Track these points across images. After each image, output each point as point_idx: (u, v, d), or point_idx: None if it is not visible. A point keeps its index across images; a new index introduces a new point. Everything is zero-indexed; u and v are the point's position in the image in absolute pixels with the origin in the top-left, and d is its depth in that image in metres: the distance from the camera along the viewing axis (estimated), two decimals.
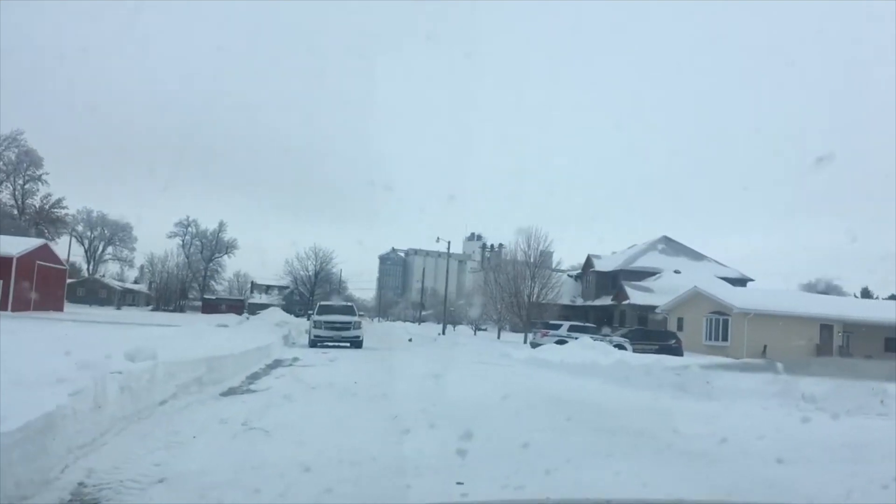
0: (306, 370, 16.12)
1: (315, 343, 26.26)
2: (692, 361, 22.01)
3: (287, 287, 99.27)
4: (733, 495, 5.74)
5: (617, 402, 12.37)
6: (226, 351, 13.98)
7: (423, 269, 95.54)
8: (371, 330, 65.39)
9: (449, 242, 51.84)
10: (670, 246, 62.57)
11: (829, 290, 73.70)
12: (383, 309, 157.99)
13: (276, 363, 17.70)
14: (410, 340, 40.37)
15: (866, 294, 76.26)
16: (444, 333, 50.75)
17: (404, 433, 7.55)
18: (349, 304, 29.11)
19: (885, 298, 65.86)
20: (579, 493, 5.53)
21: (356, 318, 27.28)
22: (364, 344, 27.18)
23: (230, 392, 11.17)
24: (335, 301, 33.27)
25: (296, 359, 19.51)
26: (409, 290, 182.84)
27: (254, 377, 13.72)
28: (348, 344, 26.72)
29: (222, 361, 12.67)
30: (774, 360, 37.85)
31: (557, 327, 34.43)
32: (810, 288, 73.96)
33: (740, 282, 56.01)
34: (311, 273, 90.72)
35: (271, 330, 29.30)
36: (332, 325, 26.42)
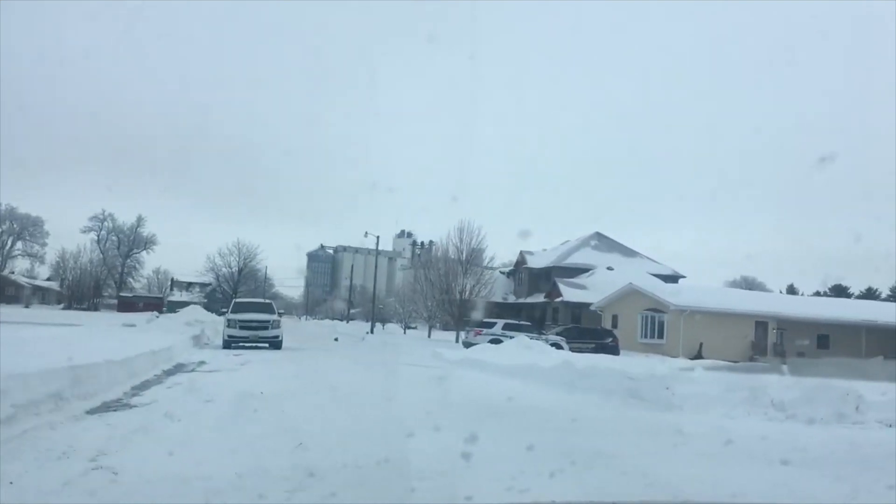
0: (209, 377, 13.98)
1: (229, 344, 24.03)
2: (672, 364, 20.66)
3: (209, 284, 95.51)
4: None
5: (569, 411, 10.67)
6: (112, 355, 11.81)
7: (352, 266, 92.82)
8: (297, 329, 62.90)
9: (378, 237, 49.81)
10: (603, 242, 61.92)
11: (754, 287, 74.55)
12: (311, 307, 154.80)
13: (177, 368, 15.49)
14: (336, 340, 38.39)
15: (792, 291, 77.36)
16: (372, 332, 48.72)
17: (309, 476, 5.62)
18: (267, 301, 26.90)
19: (811, 295, 66.70)
20: None
21: (275, 317, 25.10)
22: (285, 344, 25.17)
23: (101, 409, 9.03)
24: (252, 298, 30.79)
25: (202, 362, 17.33)
26: (338, 288, 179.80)
27: (142, 387, 11.54)
28: (267, 345, 24.62)
29: (99, 369, 10.50)
30: (712, 358, 37.43)
31: (491, 325, 32.83)
32: (735, 286, 74.79)
33: (672, 278, 55.60)
34: (234, 270, 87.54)
35: (182, 330, 26.92)
36: (247, 325, 24.20)
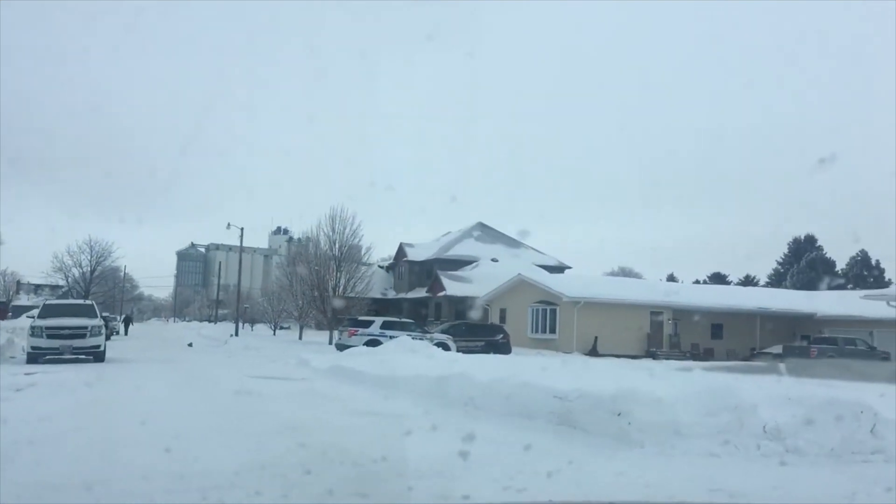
0: None
1: (35, 358, 19.05)
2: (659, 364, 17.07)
3: (62, 286, 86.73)
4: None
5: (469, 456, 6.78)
6: None
7: (220, 263, 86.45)
8: (155, 333, 56.70)
9: (242, 229, 44.66)
10: (486, 233, 58.85)
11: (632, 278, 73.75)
12: (180, 308, 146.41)
13: None
14: (190, 346, 33.51)
15: (672, 280, 77.02)
16: (236, 335, 43.60)
17: None
18: (87, 302, 21.79)
19: (693, 283, 66.05)
20: None
21: (95, 322, 20.10)
22: (122, 355, 20.49)
23: None
24: (68, 300, 25.26)
25: None
26: (209, 288, 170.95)
27: None
28: (91, 357, 19.74)
29: None
30: (608, 352, 34.78)
31: (368, 324, 28.71)
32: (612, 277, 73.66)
33: (558, 269, 53.13)
34: (85, 270, 79.31)
35: None
36: (57, 333, 19.18)
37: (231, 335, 43.33)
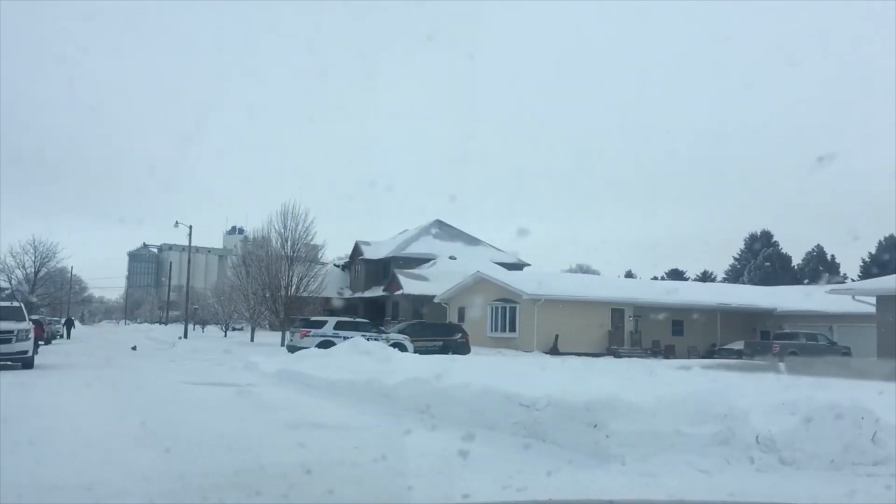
0: None
1: None
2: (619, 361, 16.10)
3: (6, 288, 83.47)
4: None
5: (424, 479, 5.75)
6: None
7: (170, 264, 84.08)
8: (102, 336, 54.59)
9: (190, 227, 42.98)
10: (444, 230, 57.84)
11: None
12: (131, 310, 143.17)
13: None
14: (134, 349, 31.95)
15: (630, 277, 76.91)
16: (185, 337, 41.91)
17: None
18: (15, 305, 20.19)
19: (650, 280, 65.86)
20: None
21: (23, 326, 18.56)
22: (55, 360, 19.13)
23: None
24: None
25: None
26: (162, 289, 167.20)
27: None
28: (20, 364, 18.27)
29: None
30: (569, 350, 34.03)
31: (321, 324, 27.46)
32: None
33: (517, 266, 52.30)
34: (29, 271, 76.42)
35: None
36: None
37: (179, 337, 41.66)
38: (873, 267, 55.77)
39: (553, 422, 7.63)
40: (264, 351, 28.51)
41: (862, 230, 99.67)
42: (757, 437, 7.14)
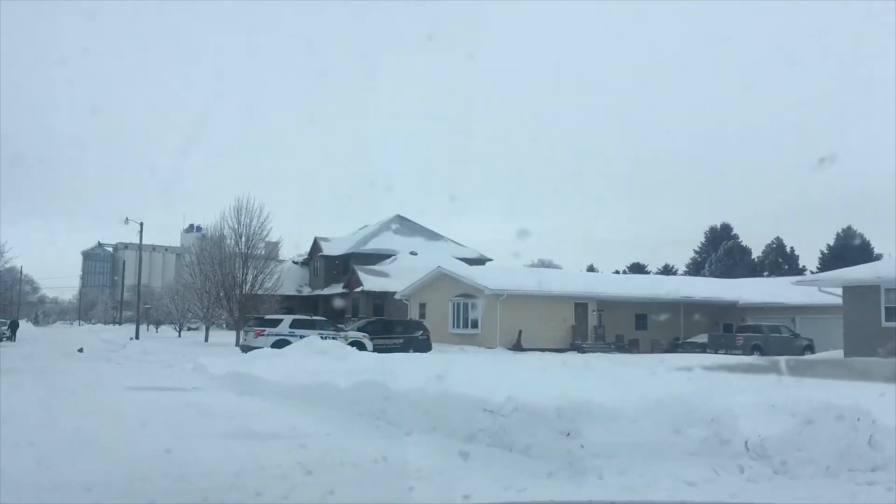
0: None
1: None
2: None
3: None
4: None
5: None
6: None
7: (124, 262, 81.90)
8: (51, 337, 52.56)
9: (141, 224, 41.39)
10: (405, 226, 56.96)
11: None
12: (85, 310, 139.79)
13: None
14: (81, 351, 30.55)
15: (591, 271, 76.75)
16: (137, 338, 40.43)
17: None
18: None
19: (613, 274, 65.67)
20: None
21: None
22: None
23: None
24: None
25: None
26: (117, 288, 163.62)
27: None
28: None
29: None
30: (533, 346, 33.39)
31: (276, 323, 26.39)
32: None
33: (479, 262, 51.65)
34: None
35: None
36: None
37: (131, 338, 40.15)
38: (832, 259, 56.17)
39: (521, 429, 6.84)
40: (217, 352, 27.39)
41: (820, 222, 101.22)
42: (746, 443, 6.45)
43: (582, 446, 6.08)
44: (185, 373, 18.94)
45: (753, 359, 19.01)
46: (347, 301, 49.99)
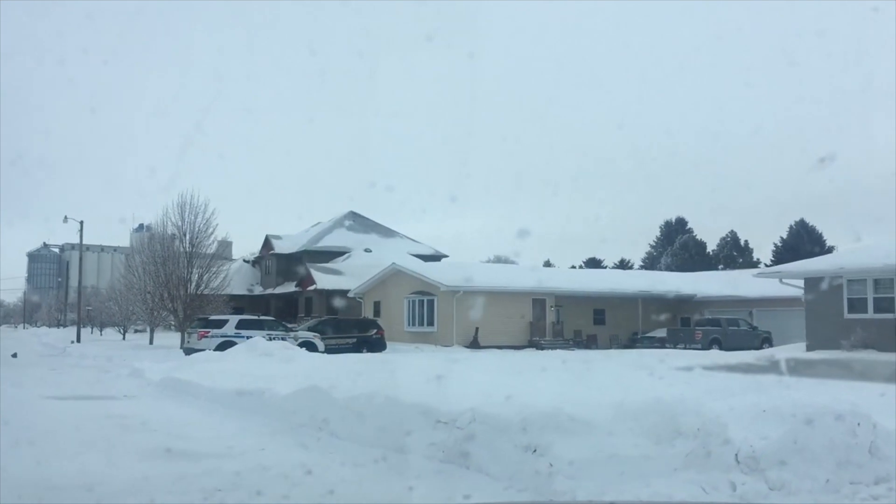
0: None
1: None
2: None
3: None
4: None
5: None
6: None
7: (67, 263, 79.09)
8: None
9: (81, 223, 39.61)
10: (358, 222, 55.68)
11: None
12: (30, 312, 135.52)
13: None
14: (14, 356, 28.87)
15: (548, 266, 76.34)
16: (78, 341, 38.68)
17: None
18: None
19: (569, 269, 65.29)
20: None
21: None
22: None
23: None
24: None
25: None
26: (63, 290, 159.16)
27: None
28: None
29: None
30: (490, 344, 32.59)
31: (222, 324, 25.12)
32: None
33: (434, 258, 50.74)
34: None
35: None
36: None
37: (72, 342, 38.39)
38: (785, 251, 56.52)
39: (480, 444, 5.92)
40: (159, 355, 25.99)
41: (773, 215, 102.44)
42: (737, 455, 5.62)
43: (551, 465, 5.18)
44: (119, 378, 17.70)
45: (731, 356, 18.49)
46: (300, 300, 48.72)
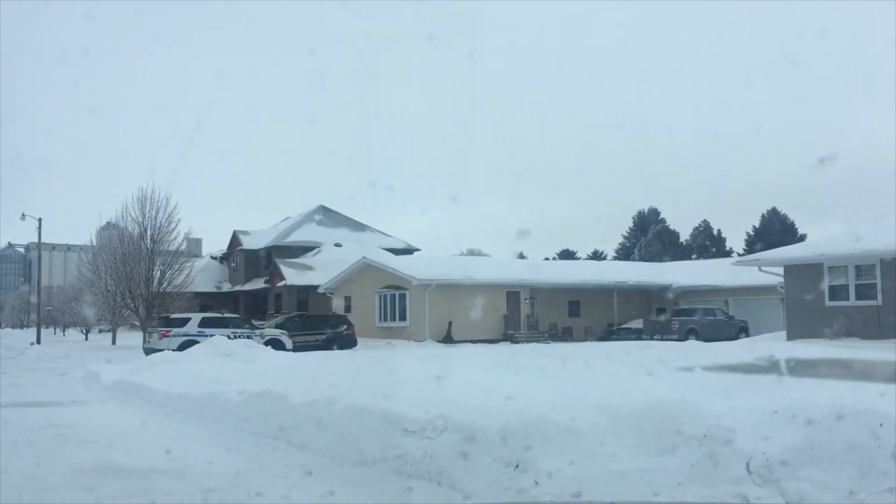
0: None
1: None
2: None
3: None
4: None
5: None
6: None
7: (30, 262, 77.09)
8: None
9: (39, 220, 38.20)
10: (329, 216, 54.70)
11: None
12: None
13: None
14: None
15: (521, 258, 75.79)
16: (38, 342, 37.33)
17: None
18: None
19: (543, 261, 64.76)
20: None
21: None
22: None
23: None
24: None
25: None
26: (29, 290, 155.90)
27: None
28: None
29: None
30: (463, 338, 31.85)
31: (184, 322, 24.10)
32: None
33: (406, 251, 49.90)
34: None
35: None
36: None
37: (32, 343, 37.03)
38: (757, 240, 56.44)
39: (452, 456, 5.14)
40: (119, 356, 24.90)
41: (745, 205, 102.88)
42: (748, 464, 4.90)
43: (536, 483, 4.42)
44: (74, 382, 16.73)
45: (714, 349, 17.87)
46: (269, 296, 47.69)
